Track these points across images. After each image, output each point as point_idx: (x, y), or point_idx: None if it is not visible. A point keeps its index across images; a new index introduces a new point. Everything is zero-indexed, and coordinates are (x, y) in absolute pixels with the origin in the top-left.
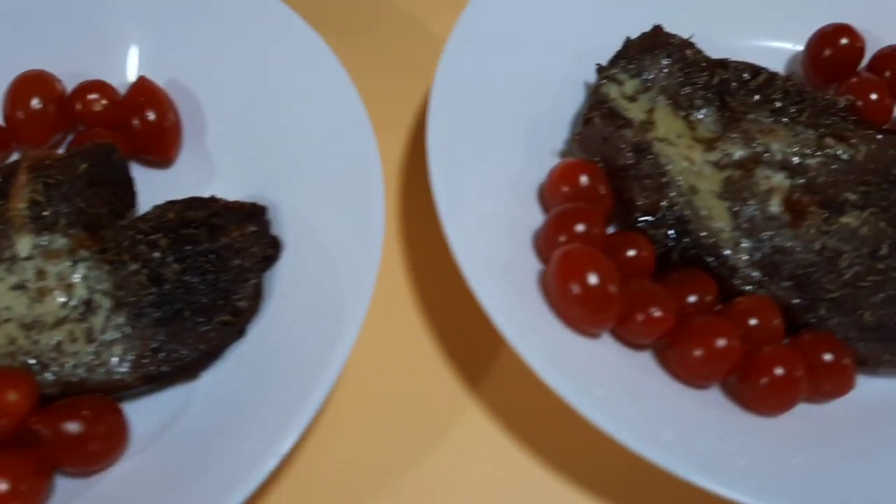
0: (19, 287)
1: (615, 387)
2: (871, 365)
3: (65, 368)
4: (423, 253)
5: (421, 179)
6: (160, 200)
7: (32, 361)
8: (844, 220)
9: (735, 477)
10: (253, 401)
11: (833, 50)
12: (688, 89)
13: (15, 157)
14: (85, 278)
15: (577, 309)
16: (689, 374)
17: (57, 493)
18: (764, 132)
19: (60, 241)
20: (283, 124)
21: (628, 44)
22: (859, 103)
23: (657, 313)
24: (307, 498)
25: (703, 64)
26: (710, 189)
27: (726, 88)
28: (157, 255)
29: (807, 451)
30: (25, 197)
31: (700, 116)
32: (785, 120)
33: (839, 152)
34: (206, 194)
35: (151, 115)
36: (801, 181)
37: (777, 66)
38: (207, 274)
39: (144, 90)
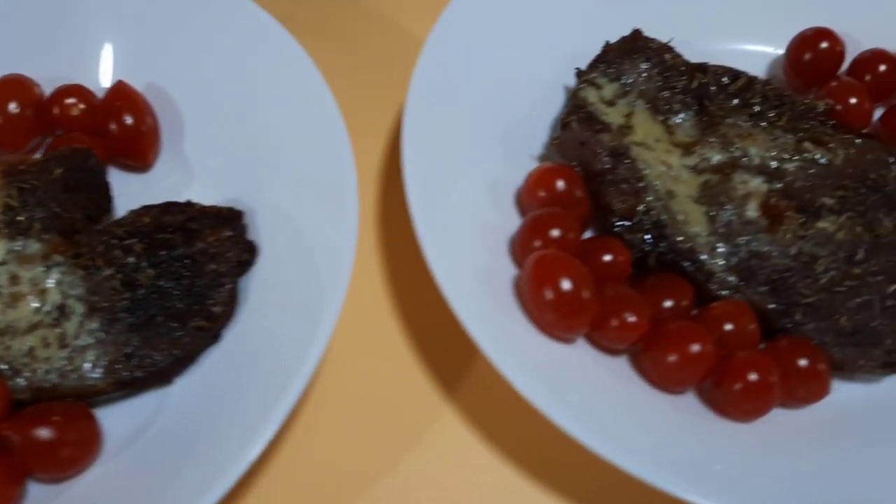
0: None
1: (590, 392)
2: (846, 370)
3: (37, 374)
4: (401, 258)
5: (400, 184)
6: (138, 205)
7: (4, 367)
8: (821, 224)
9: (709, 484)
10: (226, 406)
11: (813, 54)
12: (666, 93)
13: None
14: (59, 283)
15: (550, 314)
16: (663, 379)
17: (29, 499)
18: (742, 136)
19: (34, 247)
20: (260, 129)
21: (607, 48)
22: (839, 107)
23: (631, 318)
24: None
25: (682, 68)
26: (687, 193)
27: (705, 92)
28: (131, 260)
29: (782, 456)
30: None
31: (678, 121)
32: (763, 124)
33: (817, 157)
34: (184, 199)
35: (129, 120)
36: (779, 186)
37: (758, 69)
38: (182, 279)
39: (122, 94)
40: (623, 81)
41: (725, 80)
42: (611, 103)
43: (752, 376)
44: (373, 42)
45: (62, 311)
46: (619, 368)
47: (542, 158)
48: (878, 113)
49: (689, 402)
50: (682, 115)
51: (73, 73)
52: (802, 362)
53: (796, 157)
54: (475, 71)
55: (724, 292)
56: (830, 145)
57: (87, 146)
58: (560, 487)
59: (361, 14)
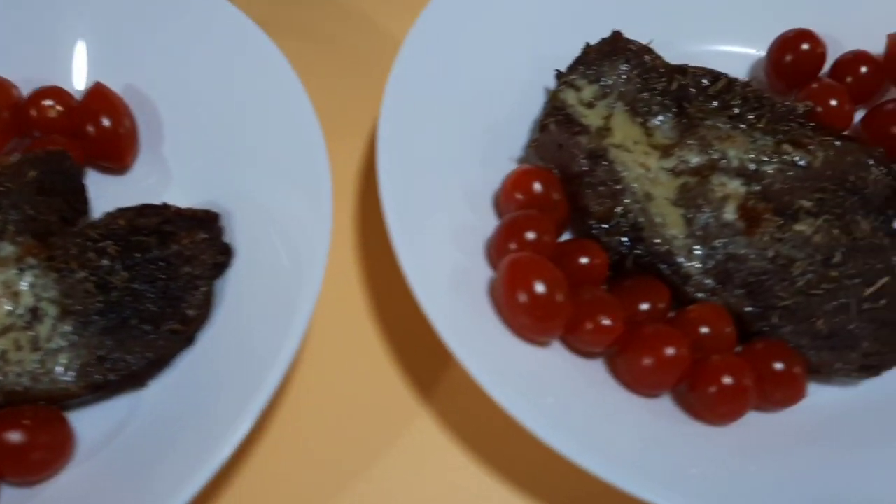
0: None
1: (564, 396)
2: (823, 373)
3: (9, 377)
4: (379, 261)
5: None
6: (117, 207)
7: None
8: (798, 227)
9: (684, 488)
10: (199, 408)
11: (794, 55)
12: (646, 95)
13: None
14: (32, 286)
15: (523, 317)
16: (638, 382)
17: (1, 502)
18: (721, 138)
19: (8, 249)
20: (237, 132)
21: (587, 50)
22: (819, 109)
23: (606, 322)
24: None
25: (662, 70)
26: (665, 196)
27: (684, 94)
28: (105, 262)
29: (758, 460)
30: None
31: (657, 122)
32: (743, 126)
33: (796, 159)
34: (163, 201)
35: (106, 122)
36: (757, 188)
37: (740, 71)
38: (156, 282)
39: (100, 96)
40: (602, 83)
41: (705, 81)
42: (590, 105)
43: (727, 380)
44: (355, 43)
45: (35, 314)
46: (594, 372)
47: (522, 160)
48: (859, 115)
49: (664, 406)
50: (661, 117)
51: (51, 75)
52: (778, 365)
53: (775, 160)
54: (454, 72)
55: (700, 295)
56: (810, 147)
57: (62, 148)
58: (535, 491)
59: (343, 15)
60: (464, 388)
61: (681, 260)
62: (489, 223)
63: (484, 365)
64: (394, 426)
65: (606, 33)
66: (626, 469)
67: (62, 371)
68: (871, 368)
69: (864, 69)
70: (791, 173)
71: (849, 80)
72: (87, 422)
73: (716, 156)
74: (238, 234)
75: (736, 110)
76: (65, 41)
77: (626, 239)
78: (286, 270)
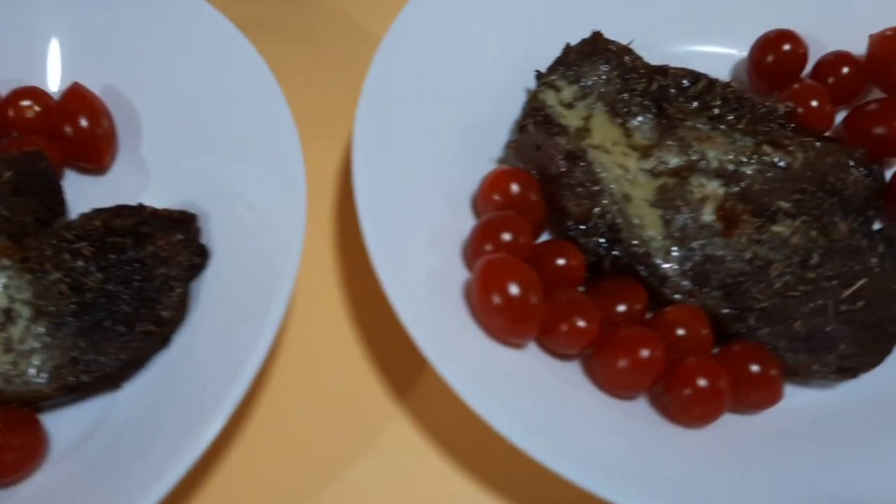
0: None
1: (539, 399)
2: (800, 375)
3: None
4: (357, 262)
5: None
6: (94, 208)
7: None
8: (776, 228)
9: (659, 491)
10: (174, 410)
11: (776, 56)
12: (625, 96)
13: None
14: (5, 287)
15: (497, 319)
16: (613, 385)
17: None
18: (701, 139)
19: None
20: (214, 133)
21: (567, 50)
22: (800, 110)
23: (581, 323)
24: None
25: (642, 70)
26: (643, 197)
27: (664, 95)
28: (80, 263)
29: (734, 462)
30: None
31: (637, 123)
32: (722, 127)
33: (776, 160)
34: (142, 201)
35: (84, 122)
36: (736, 189)
37: (721, 72)
38: (131, 283)
39: (78, 97)
40: (582, 84)
41: (685, 82)
42: (569, 106)
43: (701, 382)
44: (338, 44)
45: (8, 316)
46: (570, 374)
47: (501, 161)
48: (841, 116)
49: (640, 408)
50: (640, 118)
51: (29, 76)
52: (754, 368)
53: (755, 161)
54: (433, 72)
55: (677, 296)
56: (790, 148)
57: (38, 149)
58: (511, 494)
59: (327, 15)
60: (440, 391)
61: (658, 261)
62: (468, 225)
63: (458, 368)
64: (370, 428)
65: (587, 33)
66: (600, 474)
67: (35, 373)
68: (848, 371)
69: (845, 70)
70: (770, 174)
71: (830, 80)
72: (61, 423)
73: (695, 157)
74: (214, 235)
75: (716, 111)
76: (43, 41)
77: (603, 240)
78: (261, 272)
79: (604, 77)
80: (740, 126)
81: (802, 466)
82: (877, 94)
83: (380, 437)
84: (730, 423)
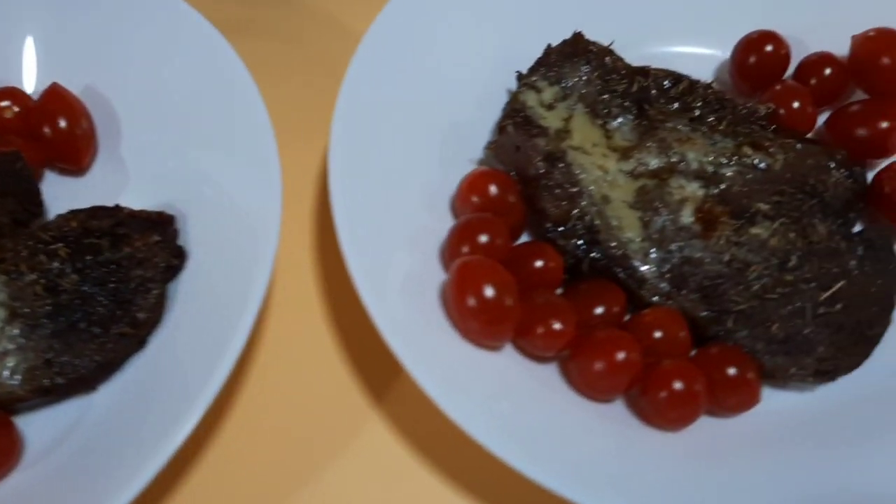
0: None
1: (515, 402)
2: (778, 378)
3: None
4: (335, 264)
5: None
6: (73, 208)
7: None
8: (755, 230)
9: (636, 494)
10: (148, 412)
11: (758, 57)
12: (606, 97)
13: None
14: None
15: (472, 322)
16: (589, 387)
17: None
18: (681, 141)
19: None
20: (192, 134)
21: (548, 51)
22: (782, 111)
23: (557, 326)
24: None
25: (623, 71)
26: (622, 199)
27: (645, 96)
28: (55, 265)
29: (711, 465)
30: None
31: (617, 125)
32: (703, 129)
33: (756, 161)
34: (120, 202)
35: (63, 123)
36: (716, 191)
37: (704, 73)
38: (107, 284)
39: (56, 97)
40: (563, 85)
41: (667, 83)
42: (550, 107)
43: (677, 384)
44: (320, 44)
45: None
46: (547, 376)
47: (481, 163)
48: (824, 117)
49: (617, 411)
50: (620, 119)
51: (8, 76)
52: (731, 371)
53: (735, 162)
54: (413, 72)
55: (655, 299)
56: (770, 150)
57: (15, 149)
58: (487, 498)
59: (309, 14)
60: (416, 394)
61: (636, 263)
62: (447, 226)
63: (433, 372)
64: (346, 431)
65: (568, 34)
66: (576, 480)
67: (8, 375)
68: (826, 373)
69: (828, 71)
70: (750, 176)
71: (813, 81)
72: (36, 426)
73: (675, 158)
74: (192, 236)
75: (697, 112)
76: (22, 42)
77: (581, 242)
78: (237, 273)
79: (584, 78)
80: (721, 127)
81: (780, 469)
82: (859, 95)
83: (356, 439)
84: (707, 426)
